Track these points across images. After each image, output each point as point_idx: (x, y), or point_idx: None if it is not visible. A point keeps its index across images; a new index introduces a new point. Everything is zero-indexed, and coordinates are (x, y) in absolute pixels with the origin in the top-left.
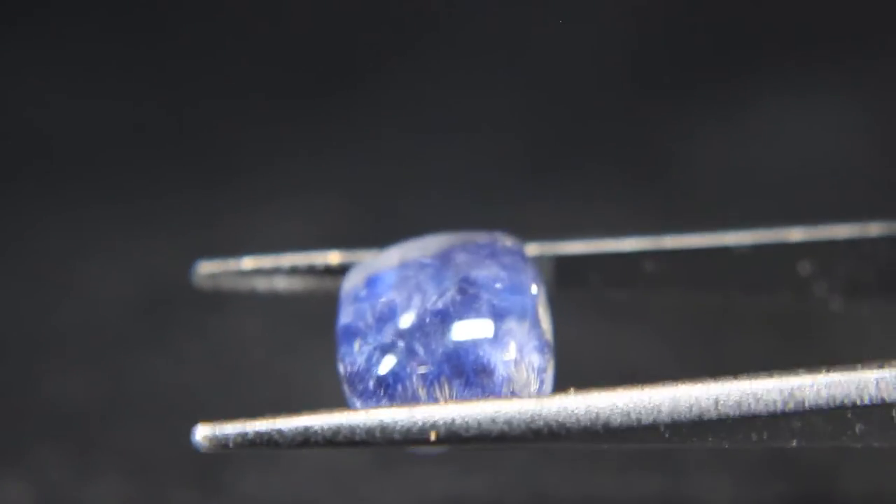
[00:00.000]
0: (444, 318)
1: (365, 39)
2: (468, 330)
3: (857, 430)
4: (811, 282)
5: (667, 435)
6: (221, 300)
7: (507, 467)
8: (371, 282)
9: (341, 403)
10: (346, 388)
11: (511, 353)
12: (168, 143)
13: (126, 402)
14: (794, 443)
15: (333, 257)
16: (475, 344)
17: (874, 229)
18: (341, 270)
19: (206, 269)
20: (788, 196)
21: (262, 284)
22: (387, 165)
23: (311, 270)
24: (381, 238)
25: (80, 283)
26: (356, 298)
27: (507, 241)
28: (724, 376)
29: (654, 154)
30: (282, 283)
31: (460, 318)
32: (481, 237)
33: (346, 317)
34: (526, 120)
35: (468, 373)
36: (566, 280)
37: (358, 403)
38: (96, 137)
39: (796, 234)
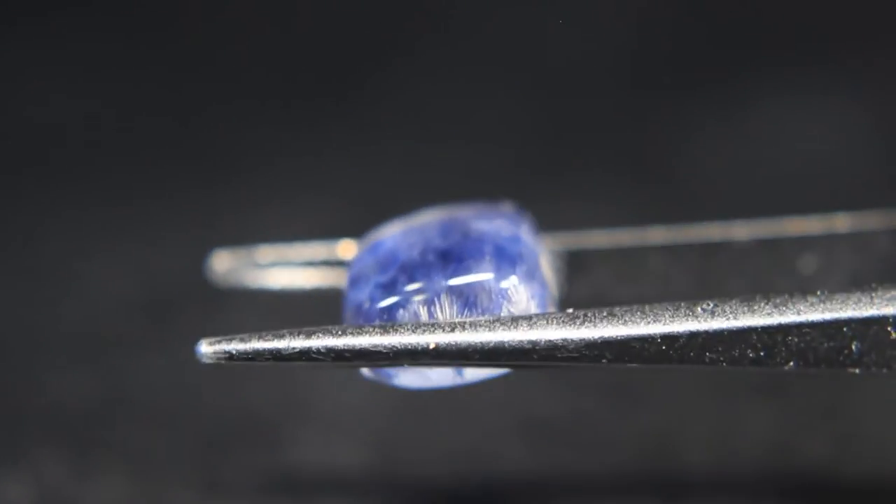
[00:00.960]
0: (447, 254)
1: (366, 40)
2: (471, 264)
3: (853, 348)
4: (815, 277)
5: (664, 348)
6: (222, 299)
7: (506, 461)
8: (374, 246)
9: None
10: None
11: (513, 280)
12: (168, 143)
13: (126, 402)
14: (792, 364)
15: (346, 248)
16: (477, 273)
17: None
18: None
19: (222, 260)
20: (788, 196)
21: (274, 278)
22: (387, 166)
23: (325, 263)
24: None
25: (80, 283)
26: (360, 260)
27: (509, 209)
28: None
29: (654, 154)
30: (295, 278)
31: (463, 254)
32: (485, 205)
33: (350, 274)
34: (526, 120)
35: (468, 293)
36: (572, 275)
37: None
38: (97, 137)
39: (800, 226)
